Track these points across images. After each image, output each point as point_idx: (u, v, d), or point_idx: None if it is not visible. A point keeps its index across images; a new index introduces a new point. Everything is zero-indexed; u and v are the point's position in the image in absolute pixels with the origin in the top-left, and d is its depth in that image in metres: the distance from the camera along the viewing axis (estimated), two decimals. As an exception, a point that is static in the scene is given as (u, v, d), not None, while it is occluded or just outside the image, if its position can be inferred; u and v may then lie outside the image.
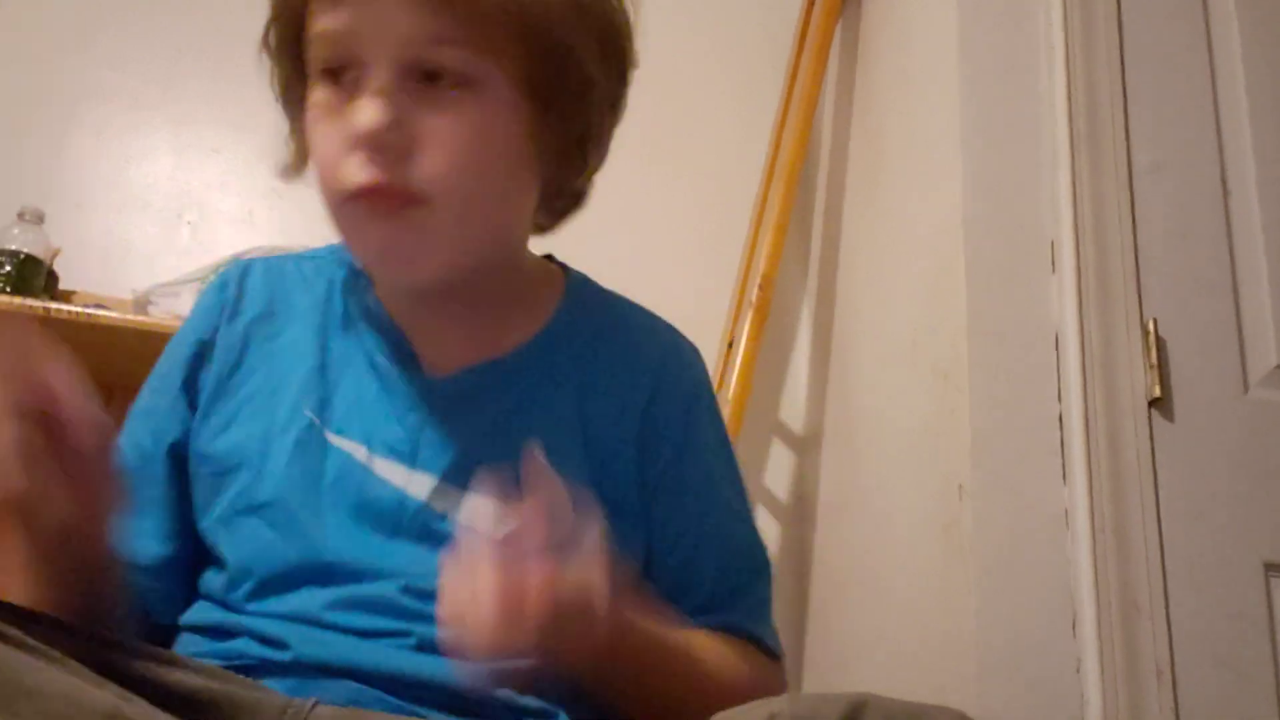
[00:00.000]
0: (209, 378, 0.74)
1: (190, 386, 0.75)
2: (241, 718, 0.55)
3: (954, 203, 1.27)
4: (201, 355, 0.75)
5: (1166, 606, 1.10)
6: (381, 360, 0.73)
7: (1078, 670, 1.06)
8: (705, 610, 0.72)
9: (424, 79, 0.65)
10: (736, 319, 1.61)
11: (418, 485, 0.69)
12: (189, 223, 1.75)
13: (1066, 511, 1.12)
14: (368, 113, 0.63)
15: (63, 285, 1.52)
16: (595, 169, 0.77)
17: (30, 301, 1.35)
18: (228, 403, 0.73)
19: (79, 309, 1.35)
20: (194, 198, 1.77)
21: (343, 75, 0.66)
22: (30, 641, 0.48)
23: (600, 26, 0.70)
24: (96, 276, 1.60)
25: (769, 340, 1.64)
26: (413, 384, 0.72)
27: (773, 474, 1.73)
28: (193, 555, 0.72)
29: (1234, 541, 1.14)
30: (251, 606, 0.66)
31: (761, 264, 1.58)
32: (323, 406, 0.72)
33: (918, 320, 1.37)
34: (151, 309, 1.43)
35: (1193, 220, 1.27)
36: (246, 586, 0.67)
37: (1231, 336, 1.23)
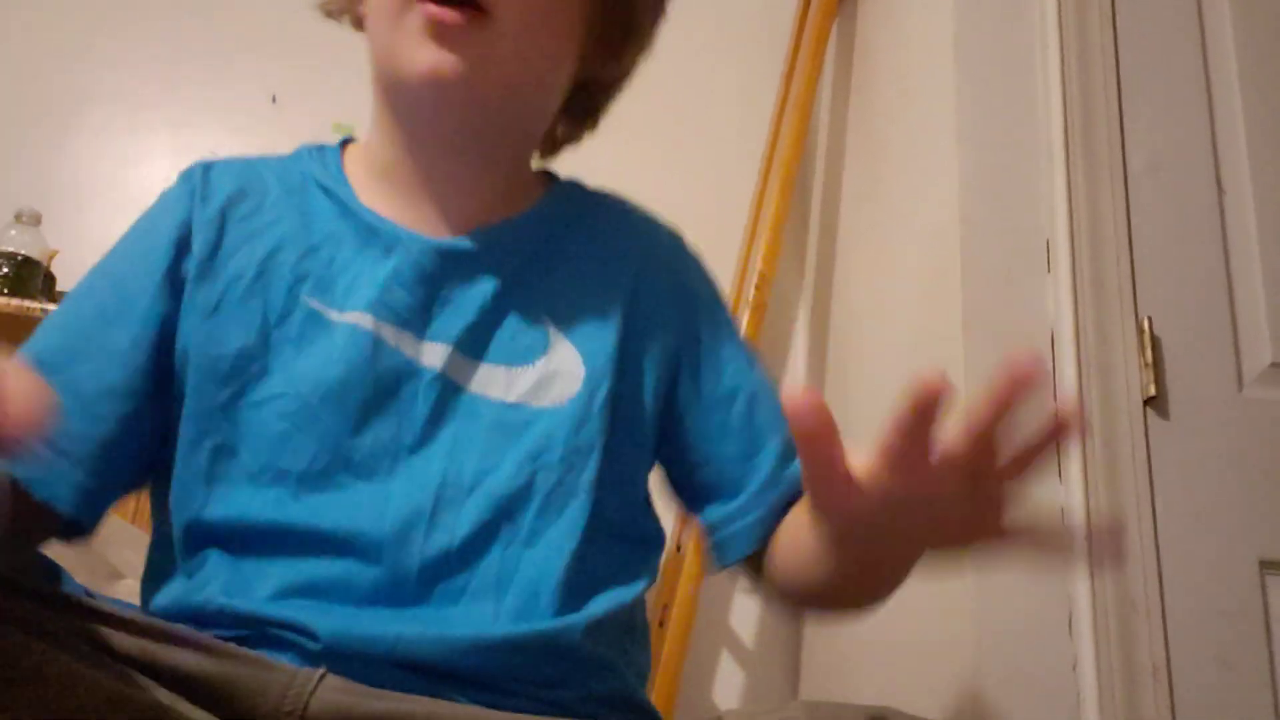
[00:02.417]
0: (191, 264, 0.70)
1: (174, 275, 0.70)
2: (243, 698, 0.53)
3: (950, 202, 1.28)
4: (182, 241, 0.71)
5: (1162, 604, 1.10)
6: (376, 228, 0.71)
7: (1074, 668, 1.06)
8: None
9: None
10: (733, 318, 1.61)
11: (431, 354, 0.68)
12: (186, 224, 1.75)
13: (1063, 509, 1.12)
14: None
15: (60, 287, 1.52)
16: (622, 79, 0.80)
17: (28, 303, 1.35)
18: (211, 287, 0.70)
19: (77, 310, 1.35)
20: (191, 199, 1.77)
21: None
22: (26, 616, 0.47)
23: None
24: (94, 278, 1.60)
25: (766, 339, 1.64)
26: (413, 249, 0.70)
27: (770, 473, 1.73)
28: (135, 449, 0.67)
29: (1230, 539, 1.14)
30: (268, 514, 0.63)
31: (758, 263, 1.59)
32: (321, 287, 0.69)
33: (914, 319, 1.37)
34: (149, 310, 1.43)
35: (1188, 219, 1.28)
36: (266, 486, 0.64)
37: (1227, 335, 1.23)
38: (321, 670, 0.56)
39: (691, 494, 0.78)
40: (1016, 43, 1.34)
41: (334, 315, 0.68)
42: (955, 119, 1.30)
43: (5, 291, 1.40)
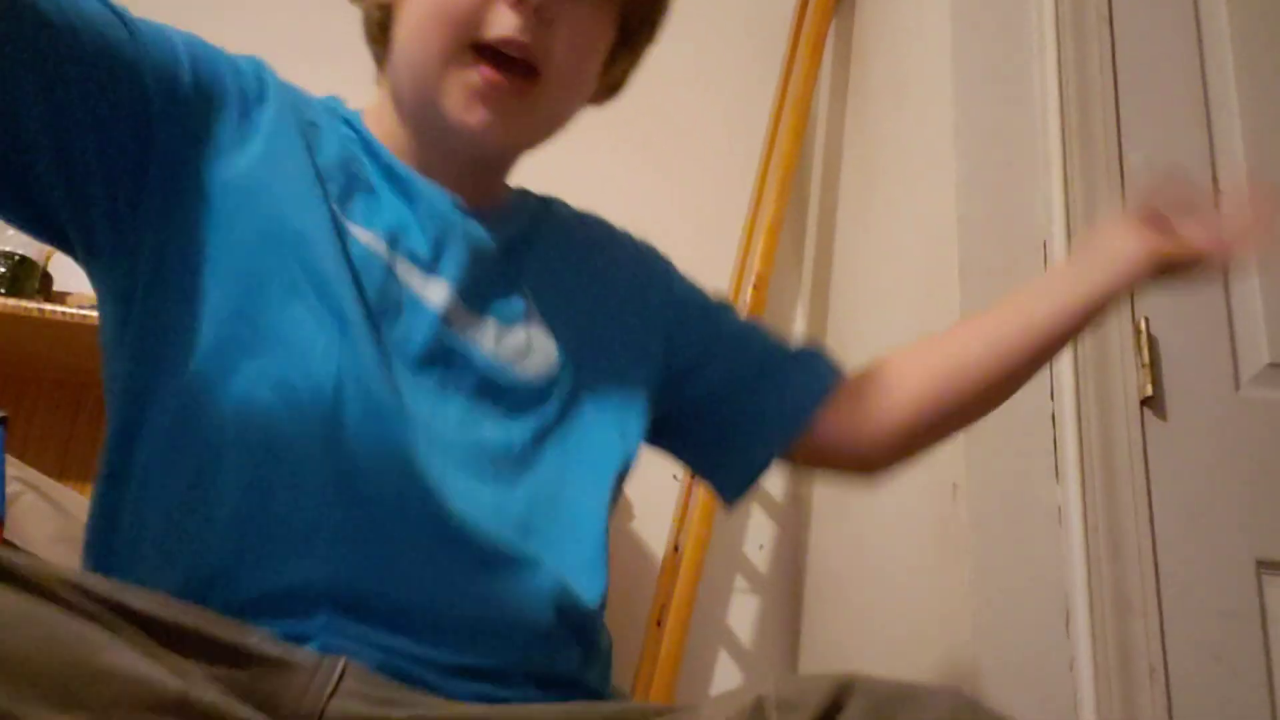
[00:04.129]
0: (236, 98, 0.72)
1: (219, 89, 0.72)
2: (264, 698, 0.54)
3: (947, 202, 1.28)
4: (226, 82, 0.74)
5: (1159, 604, 1.10)
6: (396, 170, 0.74)
7: (1071, 668, 1.06)
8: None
9: None
10: (731, 319, 1.61)
11: (434, 292, 0.70)
12: (184, 224, 1.75)
13: (1060, 509, 1.13)
14: None
15: (56, 287, 1.52)
16: (630, 74, 0.84)
17: (25, 303, 1.35)
18: (247, 135, 0.70)
19: (73, 310, 1.35)
20: (189, 199, 1.76)
21: None
22: (94, 611, 0.48)
23: None
24: (91, 278, 1.60)
25: (764, 340, 1.64)
26: (432, 200, 0.73)
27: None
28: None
29: (1226, 539, 1.14)
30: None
31: (755, 264, 1.59)
32: (344, 197, 0.70)
33: (912, 319, 1.37)
34: (146, 310, 1.43)
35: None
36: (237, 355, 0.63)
37: (1223, 335, 1.23)
38: (343, 660, 0.56)
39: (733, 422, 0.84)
40: (1014, 43, 1.34)
41: (351, 226, 0.69)
42: (953, 119, 1.31)
43: (2, 291, 1.40)
